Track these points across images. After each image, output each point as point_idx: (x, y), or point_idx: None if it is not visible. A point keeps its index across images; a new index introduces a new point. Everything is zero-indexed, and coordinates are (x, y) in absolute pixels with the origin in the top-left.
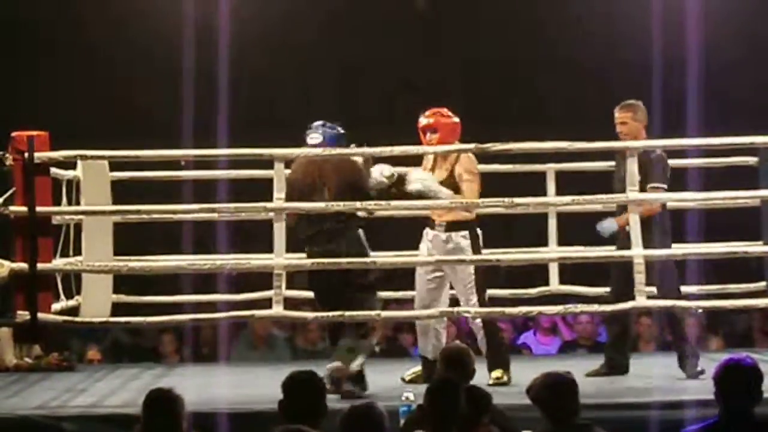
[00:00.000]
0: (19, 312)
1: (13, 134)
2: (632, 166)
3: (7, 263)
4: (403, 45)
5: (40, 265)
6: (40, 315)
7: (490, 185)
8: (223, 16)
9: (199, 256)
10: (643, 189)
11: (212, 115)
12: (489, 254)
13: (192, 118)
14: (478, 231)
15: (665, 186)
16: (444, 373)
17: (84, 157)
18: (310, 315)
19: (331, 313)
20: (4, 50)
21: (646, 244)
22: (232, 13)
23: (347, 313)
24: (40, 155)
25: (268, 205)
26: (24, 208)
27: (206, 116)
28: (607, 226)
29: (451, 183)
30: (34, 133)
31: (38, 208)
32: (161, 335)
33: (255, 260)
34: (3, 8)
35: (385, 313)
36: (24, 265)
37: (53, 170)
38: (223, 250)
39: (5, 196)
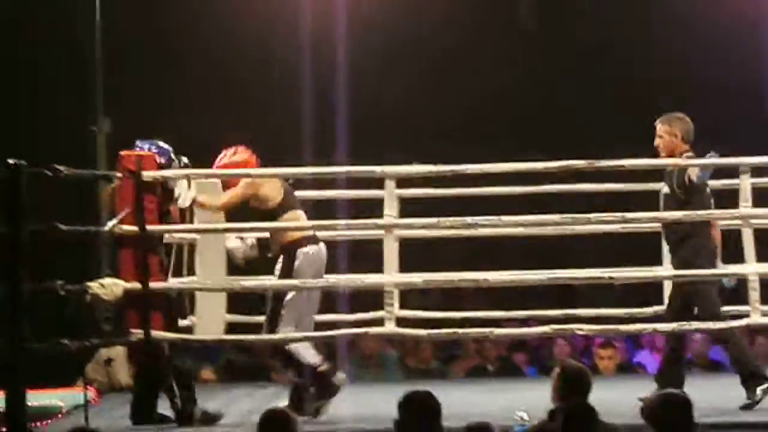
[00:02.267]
0: (133, 331)
1: (122, 153)
2: (745, 182)
3: (121, 282)
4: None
5: (152, 285)
6: (154, 333)
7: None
8: (341, 35)
9: None
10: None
11: (330, 134)
12: (601, 272)
13: (310, 136)
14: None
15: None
16: (565, 392)
17: (195, 176)
18: (423, 333)
19: (443, 331)
20: (131, 66)
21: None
22: (349, 33)
23: (460, 331)
24: (148, 174)
25: (379, 221)
26: (134, 228)
27: (324, 135)
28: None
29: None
30: (143, 152)
31: (149, 227)
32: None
33: (368, 279)
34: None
35: (498, 331)
36: (137, 285)
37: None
38: (339, 269)
39: (118, 216)
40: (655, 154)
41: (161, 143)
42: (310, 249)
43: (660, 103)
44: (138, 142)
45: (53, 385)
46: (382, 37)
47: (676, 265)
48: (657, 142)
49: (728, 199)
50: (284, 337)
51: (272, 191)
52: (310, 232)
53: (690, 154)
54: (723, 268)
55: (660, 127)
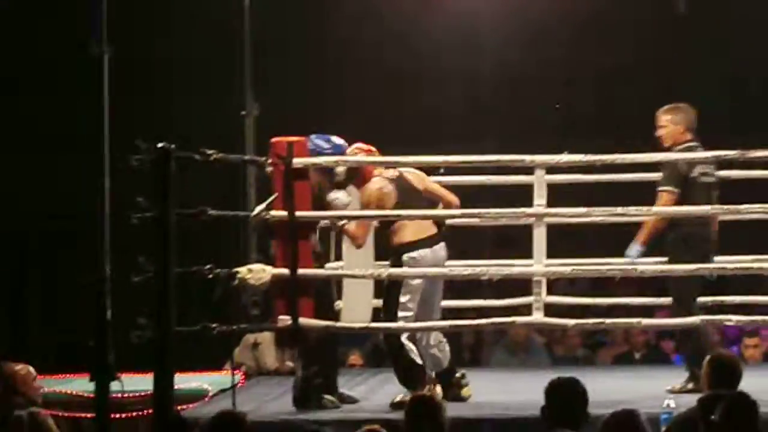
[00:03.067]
0: (281, 317)
1: (273, 139)
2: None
3: (269, 268)
4: (664, 47)
5: (300, 271)
6: (302, 320)
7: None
8: (490, 24)
9: (461, 262)
10: None
11: (478, 120)
12: (752, 262)
13: (455, 123)
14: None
15: (675, 189)
16: (715, 381)
17: (345, 163)
18: (570, 322)
19: (591, 321)
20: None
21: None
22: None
23: (608, 320)
24: (299, 160)
25: (529, 210)
26: (284, 213)
27: (473, 122)
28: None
29: None
30: (294, 138)
31: (298, 213)
32: None
33: (516, 268)
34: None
35: (646, 321)
36: (285, 271)
37: None
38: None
39: (267, 201)
40: (658, 145)
41: (337, 140)
42: (417, 254)
43: None
44: (313, 137)
45: (201, 368)
46: (527, 24)
47: None
48: (659, 132)
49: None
50: (431, 325)
51: (389, 201)
52: (424, 234)
53: (694, 144)
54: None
55: (662, 117)
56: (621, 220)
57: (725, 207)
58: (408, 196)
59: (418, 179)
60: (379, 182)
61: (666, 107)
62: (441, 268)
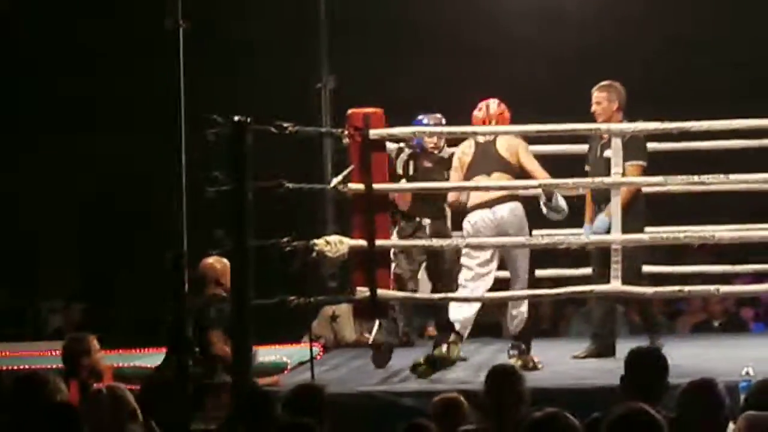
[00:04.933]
0: (359, 288)
1: (350, 111)
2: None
3: (347, 240)
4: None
5: (378, 242)
6: (380, 291)
7: None
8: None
9: (539, 231)
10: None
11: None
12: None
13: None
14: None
15: (644, 163)
16: None
17: (420, 134)
18: (649, 290)
19: (669, 288)
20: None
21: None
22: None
23: (686, 288)
24: (375, 132)
25: (606, 179)
26: (361, 186)
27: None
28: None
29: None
30: (370, 110)
31: (375, 185)
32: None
33: (595, 236)
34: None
35: (724, 288)
36: (363, 242)
37: (391, 147)
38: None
39: (343, 174)
40: (593, 120)
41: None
42: (471, 218)
43: None
44: (421, 117)
45: (279, 341)
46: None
47: None
48: (593, 108)
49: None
50: (511, 295)
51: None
52: (481, 199)
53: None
54: None
55: (598, 95)
56: (698, 189)
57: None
58: (486, 159)
59: (508, 148)
60: (462, 146)
61: (600, 84)
62: (518, 236)
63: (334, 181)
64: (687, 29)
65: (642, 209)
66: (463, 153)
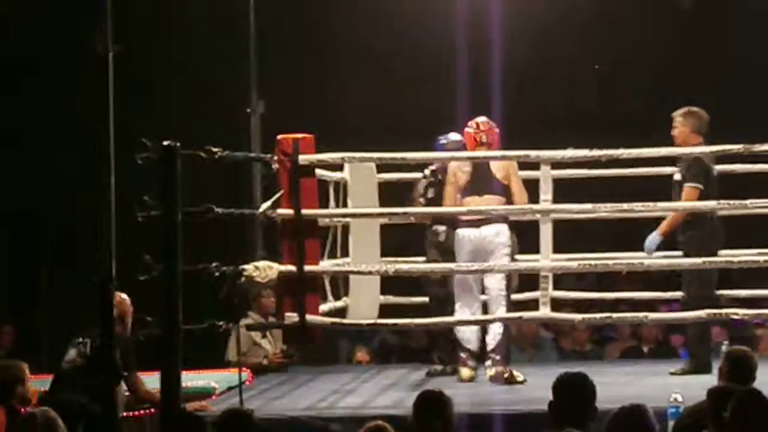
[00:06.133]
0: (288, 314)
1: (279, 137)
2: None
3: (276, 265)
4: (669, 44)
5: (307, 267)
6: (309, 317)
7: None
8: (494, 13)
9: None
10: None
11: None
12: (758, 255)
13: (463, 119)
14: None
15: (701, 186)
16: (731, 376)
17: (350, 159)
18: (577, 317)
19: (598, 315)
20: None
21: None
22: (501, 12)
23: (615, 315)
24: (305, 158)
25: (536, 206)
26: (290, 211)
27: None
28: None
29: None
30: (300, 135)
31: (304, 211)
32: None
33: (523, 263)
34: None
35: (653, 315)
36: (292, 268)
37: (321, 173)
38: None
39: (272, 199)
40: (672, 144)
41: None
42: (460, 232)
43: None
44: (440, 138)
45: (208, 366)
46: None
47: None
48: (673, 131)
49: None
50: (439, 321)
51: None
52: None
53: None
54: None
55: (676, 118)
56: (627, 216)
57: (733, 202)
58: (480, 179)
59: (501, 170)
60: (459, 163)
61: (681, 110)
62: (449, 263)
63: (264, 206)
64: (627, 52)
65: (699, 233)
66: (461, 170)
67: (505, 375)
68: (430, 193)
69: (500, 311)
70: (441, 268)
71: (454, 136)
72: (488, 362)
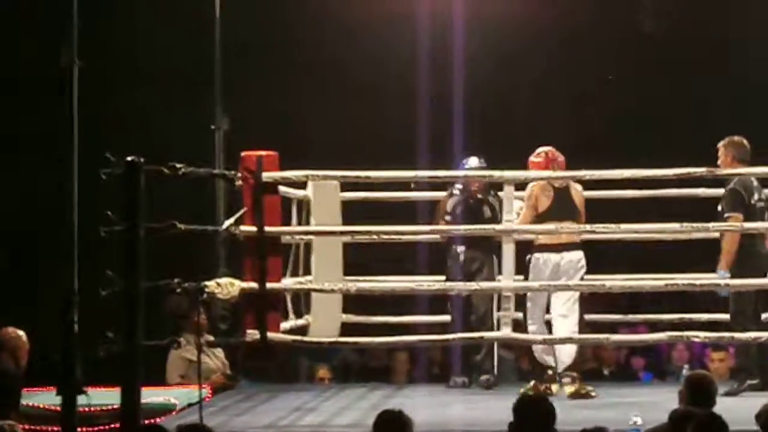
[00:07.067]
0: (249, 331)
1: (243, 154)
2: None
3: (237, 282)
4: (634, 68)
5: (269, 285)
6: (270, 334)
7: None
8: (458, 36)
9: (430, 278)
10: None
11: (447, 135)
12: (717, 278)
13: (427, 138)
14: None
15: (739, 215)
16: (691, 400)
17: (314, 177)
18: (539, 338)
19: (558, 337)
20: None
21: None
22: (465, 32)
23: (576, 337)
24: (268, 175)
25: (498, 227)
26: (253, 228)
27: (441, 137)
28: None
29: None
30: (263, 152)
31: (267, 228)
32: (395, 354)
33: (484, 283)
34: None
35: (614, 337)
36: (254, 285)
37: (284, 190)
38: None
39: (235, 216)
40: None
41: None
42: (540, 256)
43: None
44: (463, 161)
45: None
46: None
47: None
48: (718, 162)
49: None
50: (398, 340)
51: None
52: (551, 241)
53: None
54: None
55: (719, 149)
56: (589, 238)
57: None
58: (562, 208)
59: (577, 196)
60: (540, 186)
61: (723, 140)
62: (410, 283)
63: (227, 223)
64: (591, 86)
65: (742, 257)
66: (543, 194)
67: (582, 391)
68: (459, 210)
69: (562, 330)
70: (400, 288)
71: (473, 161)
72: (566, 380)
